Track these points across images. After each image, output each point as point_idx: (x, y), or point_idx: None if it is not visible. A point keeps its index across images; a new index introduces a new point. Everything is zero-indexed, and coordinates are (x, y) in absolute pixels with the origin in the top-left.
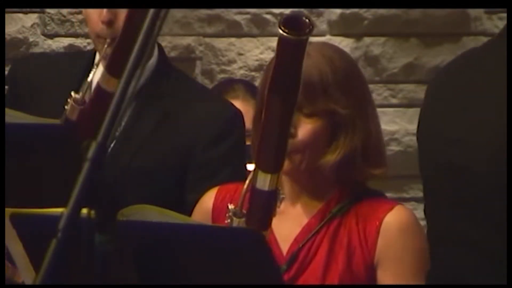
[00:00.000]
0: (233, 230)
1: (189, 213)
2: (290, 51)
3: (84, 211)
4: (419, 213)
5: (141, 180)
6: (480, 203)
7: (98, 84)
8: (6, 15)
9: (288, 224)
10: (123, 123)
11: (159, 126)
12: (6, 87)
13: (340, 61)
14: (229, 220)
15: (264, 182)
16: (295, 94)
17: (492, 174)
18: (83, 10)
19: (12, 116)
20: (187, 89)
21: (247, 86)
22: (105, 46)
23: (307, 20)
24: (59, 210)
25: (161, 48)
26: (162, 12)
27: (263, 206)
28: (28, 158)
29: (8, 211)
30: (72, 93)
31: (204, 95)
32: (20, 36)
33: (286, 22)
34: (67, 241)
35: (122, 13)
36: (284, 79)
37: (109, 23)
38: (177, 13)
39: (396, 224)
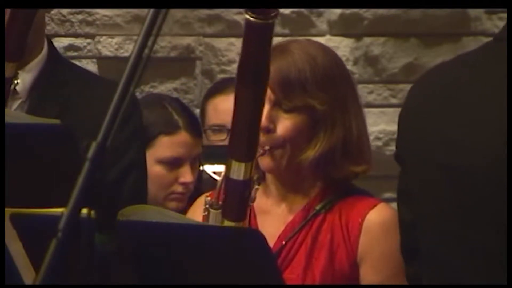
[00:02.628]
0: (233, 229)
1: None
2: (257, 36)
3: (84, 211)
4: None
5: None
6: (481, 205)
7: None
8: None
9: (273, 223)
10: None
11: (60, 117)
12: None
13: (322, 58)
14: (206, 213)
15: (238, 171)
16: (264, 80)
17: (493, 175)
18: None
19: (12, 116)
20: (81, 78)
21: None
22: None
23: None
24: (59, 210)
25: (49, 40)
26: (161, 12)
27: (239, 196)
28: (28, 158)
29: (8, 211)
30: None
31: (98, 82)
32: None
33: (250, 8)
34: (67, 241)
35: None
36: (251, 65)
37: None
38: (177, 13)
39: (379, 222)
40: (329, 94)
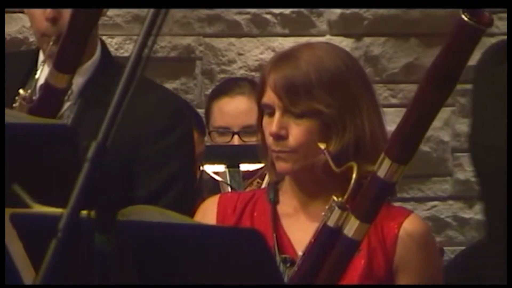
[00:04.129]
0: (232, 229)
1: None
2: (467, 38)
3: (84, 211)
4: (419, 213)
5: None
6: None
7: (46, 81)
8: (7, 15)
9: (300, 227)
10: (70, 120)
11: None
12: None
13: (329, 60)
14: (329, 213)
15: (389, 172)
16: (453, 86)
17: None
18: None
19: (13, 116)
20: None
21: (252, 83)
22: (50, 43)
23: (488, 14)
24: (59, 210)
25: (103, 43)
26: (161, 12)
27: (377, 196)
28: (28, 158)
29: (8, 210)
30: (21, 91)
31: (150, 88)
32: (20, 36)
33: (468, 11)
34: (67, 241)
35: (67, 10)
36: (450, 66)
37: (54, 20)
38: (177, 13)
39: (416, 233)
40: (337, 96)
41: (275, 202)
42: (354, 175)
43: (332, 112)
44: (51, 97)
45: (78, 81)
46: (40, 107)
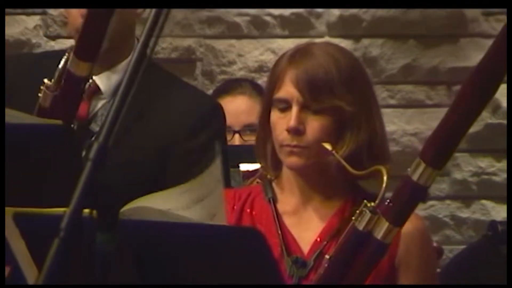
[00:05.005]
0: (233, 228)
1: None
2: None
3: (86, 210)
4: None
5: (122, 174)
6: None
7: (68, 70)
8: (9, 17)
9: (303, 225)
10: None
11: (140, 120)
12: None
13: (344, 59)
14: (359, 218)
15: (423, 176)
16: (495, 89)
17: None
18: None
19: (14, 116)
20: (164, 81)
21: (253, 84)
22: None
23: None
24: (61, 209)
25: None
26: (163, 12)
27: (410, 200)
28: (30, 158)
29: (11, 210)
30: (45, 80)
31: (183, 88)
32: (23, 37)
33: None
34: (69, 240)
35: None
36: (493, 69)
37: None
38: (177, 15)
39: (417, 231)
40: (355, 95)
41: (274, 201)
42: (385, 179)
43: (351, 110)
44: (72, 85)
45: (114, 79)
46: (63, 95)
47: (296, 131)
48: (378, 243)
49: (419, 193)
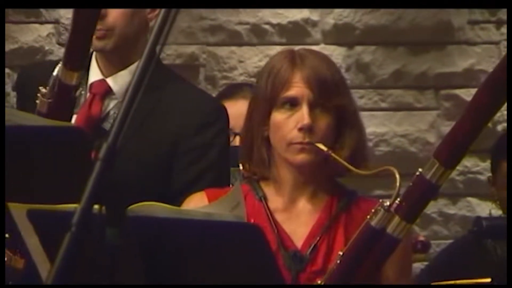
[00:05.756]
0: (233, 224)
1: (177, 200)
2: None
3: (96, 207)
4: None
5: (132, 165)
6: None
7: (59, 78)
8: (24, 26)
9: (294, 221)
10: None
11: (150, 116)
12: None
13: (335, 64)
14: (374, 216)
15: (437, 175)
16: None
17: None
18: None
19: (27, 118)
20: (174, 83)
21: (253, 88)
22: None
23: None
24: (72, 206)
25: None
26: (170, 16)
27: (423, 197)
28: (41, 158)
29: (25, 207)
30: (41, 88)
31: (190, 88)
32: (36, 45)
33: None
34: (80, 235)
35: (113, 9)
36: (507, 76)
37: (101, 17)
38: (182, 23)
39: None
40: (350, 94)
41: (265, 199)
42: (398, 178)
43: (352, 109)
44: (63, 93)
45: (126, 80)
46: (56, 102)
47: (310, 129)
48: (391, 239)
49: (431, 191)
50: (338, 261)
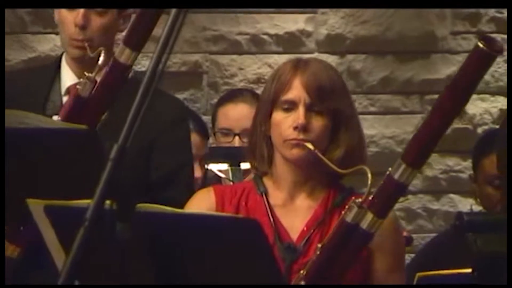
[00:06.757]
0: (233, 218)
1: (157, 193)
2: (481, 62)
3: (107, 203)
4: None
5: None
6: None
7: (114, 58)
8: (41, 36)
9: (292, 216)
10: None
11: (108, 118)
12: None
13: (337, 71)
14: (348, 212)
15: (404, 175)
16: (468, 99)
17: None
18: (58, 14)
19: (43, 121)
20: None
21: (253, 94)
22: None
23: (499, 43)
24: (86, 202)
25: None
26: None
27: (392, 196)
28: (56, 158)
29: (42, 202)
30: (85, 73)
31: (160, 91)
32: (52, 53)
33: (484, 39)
34: (92, 228)
35: (95, 19)
36: (465, 83)
37: (83, 27)
38: (186, 34)
39: (389, 222)
40: (349, 99)
41: (266, 194)
42: (370, 177)
43: (348, 112)
44: (117, 73)
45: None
46: (105, 82)
47: (304, 128)
48: (364, 233)
49: (399, 190)
50: (318, 253)
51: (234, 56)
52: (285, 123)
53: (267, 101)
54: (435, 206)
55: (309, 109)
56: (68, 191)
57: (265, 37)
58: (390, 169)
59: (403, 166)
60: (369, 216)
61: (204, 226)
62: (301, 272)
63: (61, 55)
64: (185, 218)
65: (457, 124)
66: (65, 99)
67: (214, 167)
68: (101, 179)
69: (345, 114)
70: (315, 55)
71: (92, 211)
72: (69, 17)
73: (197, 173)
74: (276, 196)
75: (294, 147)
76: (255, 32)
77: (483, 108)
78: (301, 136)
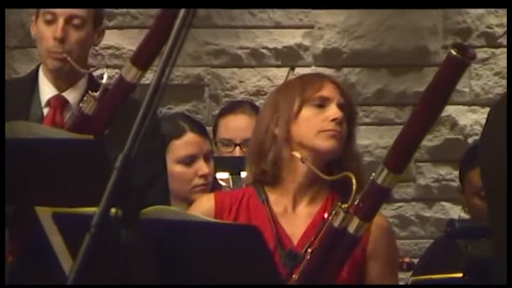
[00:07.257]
0: (234, 225)
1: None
2: (455, 69)
3: (113, 210)
4: (387, 212)
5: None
6: None
7: (120, 76)
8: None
9: (293, 223)
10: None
11: (116, 127)
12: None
13: None
14: (335, 217)
15: (386, 180)
16: (443, 106)
17: None
18: (36, 29)
19: (52, 132)
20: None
21: (252, 105)
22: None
23: (472, 50)
24: (92, 209)
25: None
26: (178, 42)
27: (376, 200)
28: (64, 167)
29: (51, 210)
30: (89, 92)
31: (134, 103)
32: None
33: (456, 46)
34: (98, 235)
35: (72, 33)
36: (441, 91)
37: (61, 41)
38: (188, 48)
39: (385, 225)
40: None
41: (268, 202)
42: (354, 183)
43: (355, 123)
44: (123, 91)
45: (77, 93)
46: (109, 100)
47: (340, 121)
48: (351, 237)
49: (383, 194)
50: (308, 257)
51: (235, 70)
52: (319, 116)
53: (294, 101)
54: (427, 213)
55: (340, 108)
56: (75, 199)
57: (264, 51)
58: (373, 174)
59: (386, 171)
60: (356, 221)
61: (205, 233)
62: (294, 276)
63: (37, 67)
64: (186, 225)
65: (448, 135)
66: (45, 110)
67: (216, 176)
68: (106, 187)
69: (355, 124)
70: (312, 68)
71: (98, 218)
72: (48, 31)
73: (205, 169)
74: (278, 202)
75: (330, 138)
76: (255, 46)
77: (473, 119)
78: (338, 129)
